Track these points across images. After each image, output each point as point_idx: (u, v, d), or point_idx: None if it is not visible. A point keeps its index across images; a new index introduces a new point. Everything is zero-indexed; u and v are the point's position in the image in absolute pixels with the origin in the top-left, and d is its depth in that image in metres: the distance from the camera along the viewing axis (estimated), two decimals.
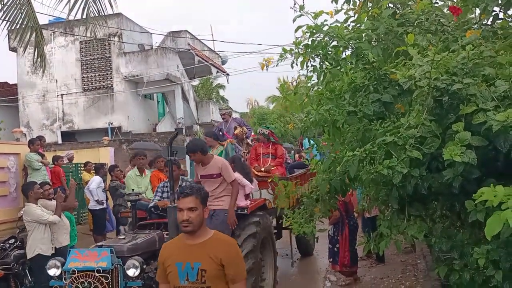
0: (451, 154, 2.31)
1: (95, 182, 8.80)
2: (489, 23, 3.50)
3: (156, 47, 18.96)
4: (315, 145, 4.08)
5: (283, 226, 6.80)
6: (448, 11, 3.40)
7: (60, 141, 17.65)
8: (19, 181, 9.31)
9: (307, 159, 8.75)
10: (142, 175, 7.48)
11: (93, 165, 10.05)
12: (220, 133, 8.09)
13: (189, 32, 19.62)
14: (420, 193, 2.90)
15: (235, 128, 8.03)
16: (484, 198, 2.19)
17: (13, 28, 6.51)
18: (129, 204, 5.99)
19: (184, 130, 17.64)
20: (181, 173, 6.11)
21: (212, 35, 32.86)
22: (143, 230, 5.18)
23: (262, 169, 7.32)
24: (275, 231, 6.93)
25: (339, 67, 3.23)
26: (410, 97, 2.86)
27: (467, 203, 2.52)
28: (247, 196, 6.06)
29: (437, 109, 2.67)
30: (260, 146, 7.78)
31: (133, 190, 6.16)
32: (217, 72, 22.42)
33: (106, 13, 6.38)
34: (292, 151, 13.72)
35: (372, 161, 2.72)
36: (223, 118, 8.58)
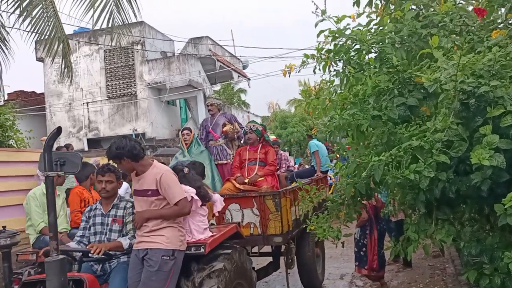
0: (479, 158, 2.28)
1: (122, 188, 8.96)
2: None
3: (178, 54, 19.21)
4: (339, 149, 4.08)
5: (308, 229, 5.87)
6: (473, 11, 3.36)
7: (86, 148, 18.03)
8: None
9: (313, 166, 8.04)
10: None
11: (121, 171, 10.24)
12: (204, 131, 6.57)
13: (210, 38, 19.82)
14: (448, 196, 2.86)
15: (224, 124, 6.39)
16: None
17: (40, 39, 6.71)
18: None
19: None
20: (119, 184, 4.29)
21: (233, 40, 33.07)
22: None
23: (246, 181, 5.68)
24: (271, 261, 5.73)
25: (362, 71, 3.22)
26: (435, 100, 2.84)
27: (496, 206, 2.48)
28: (220, 216, 4.79)
29: (463, 112, 2.63)
30: (245, 150, 6.01)
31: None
32: (238, 76, 22.55)
33: (130, 22, 6.52)
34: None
35: (398, 165, 2.70)
36: (209, 111, 6.73)
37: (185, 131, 6.37)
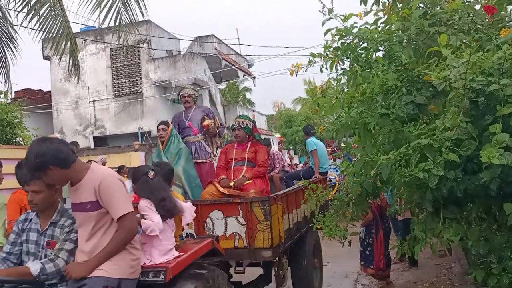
0: (489, 156, 2.27)
1: (129, 185, 9.01)
2: None
3: (184, 52, 19.25)
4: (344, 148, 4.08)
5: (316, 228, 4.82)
6: (481, 9, 3.34)
7: (92, 146, 18.12)
8: None
9: (311, 166, 7.17)
10: None
11: (128, 168, 10.30)
12: (177, 127, 5.72)
13: (215, 37, 19.84)
14: (456, 195, 2.86)
15: (203, 119, 5.61)
16: None
17: (47, 37, 6.75)
18: None
19: None
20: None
21: (239, 38, 33.13)
22: None
23: (231, 184, 4.93)
24: (261, 274, 4.86)
25: (370, 69, 3.22)
26: (444, 99, 2.83)
27: (505, 205, 2.47)
28: (199, 225, 4.17)
29: (473, 111, 2.62)
30: (232, 148, 5.28)
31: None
32: (244, 75, 22.57)
33: (137, 20, 6.53)
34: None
35: (406, 164, 2.69)
36: (184, 103, 5.82)
37: (160, 126, 5.52)
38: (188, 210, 3.50)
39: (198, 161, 5.61)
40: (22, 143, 9.38)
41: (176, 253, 3.19)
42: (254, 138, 5.37)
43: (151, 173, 3.29)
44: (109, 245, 2.70)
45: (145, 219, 3.11)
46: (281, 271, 4.68)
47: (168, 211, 3.22)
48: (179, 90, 6.17)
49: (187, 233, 4.04)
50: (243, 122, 5.30)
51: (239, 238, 4.22)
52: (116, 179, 2.79)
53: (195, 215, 3.58)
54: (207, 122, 5.54)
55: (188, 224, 3.62)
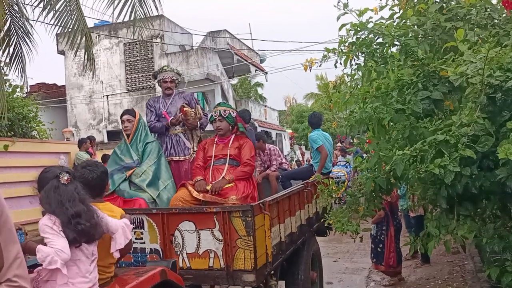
0: (506, 152, 2.25)
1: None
2: None
3: (196, 47, 19.29)
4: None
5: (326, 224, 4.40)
6: (498, 3, 3.30)
7: (106, 140, 18.29)
8: None
9: (311, 164, 6.09)
10: None
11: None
12: (153, 114, 4.83)
13: (228, 32, 19.85)
14: (470, 192, 2.84)
15: (182, 107, 4.64)
16: None
17: (62, 32, 6.82)
18: None
19: None
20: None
21: (251, 33, 32.99)
22: None
23: (208, 188, 4.04)
24: None
25: (385, 64, 3.20)
26: (460, 94, 2.80)
27: None
28: (166, 239, 3.38)
29: (490, 107, 2.60)
30: (212, 143, 4.41)
31: None
32: (256, 70, 22.54)
33: (151, 15, 6.57)
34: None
35: (421, 159, 2.68)
36: (166, 89, 4.91)
37: (125, 117, 4.55)
38: (121, 230, 2.53)
39: (175, 158, 4.70)
40: (37, 136, 9.51)
41: None
42: (238, 130, 4.43)
43: (65, 177, 2.35)
44: None
45: (45, 244, 2.21)
46: None
47: (83, 232, 2.27)
48: (158, 71, 5.11)
49: (151, 249, 3.49)
50: (224, 111, 4.39)
51: (215, 256, 3.36)
52: None
53: (130, 237, 2.58)
54: (186, 108, 4.61)
55: (120, 250, 2.55)
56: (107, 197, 4.01)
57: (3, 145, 7.92)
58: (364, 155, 5.48)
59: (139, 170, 4.33)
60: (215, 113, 4.44)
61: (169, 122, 4.73)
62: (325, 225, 5.06)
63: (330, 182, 4.91)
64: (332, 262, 7.45)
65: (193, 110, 4.69)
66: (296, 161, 19.53)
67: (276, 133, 24.21)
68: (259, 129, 19.77)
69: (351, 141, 12.70)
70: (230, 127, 4.42)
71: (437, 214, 3.33)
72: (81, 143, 9.51)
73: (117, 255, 2.54)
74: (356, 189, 4.01)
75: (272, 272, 3.74)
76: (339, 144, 16.02)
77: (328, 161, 6.09)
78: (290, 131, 27.74)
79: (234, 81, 25.98)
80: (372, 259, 6.36)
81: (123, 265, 3.48)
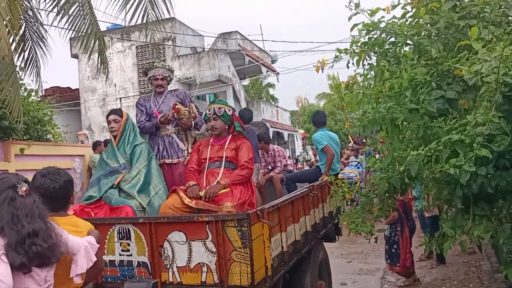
0: None
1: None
2: None
3: (208, 49, 19.37)
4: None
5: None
6: None
7: None
8: (84, 181, 9.86)
9: (318, 166, 5.73)
10: None
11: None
12: (143, 114, 4.53)
13: (239, 33, 19.91)
14: (486, 192, 2.81)
15: (175, 104, 4.34)
16: None
17: (76, 36, 6.91)
18: None
19: None
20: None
21: (262, 34, 32.98)
22: None
23: (201, 194, 3.71)
24: None
25: (398, 64, 3.18)
26: (475, 93, 2.77)
27: None
28: (155, 251, 3.10)
29: (505, 105, 2.57)
30: (207, 145, 4.10)
31: None
32: (267, 71, 22.56)
33: (163, 18, 6.62)
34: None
35: (436, 159, 2.66)
36: (157, 87, 4.64)
37: (111, 117, 4.26)
38: (84, 250, 2.17)
39: (168, 161, 4.42)
40: (52, 139, 9.65)
41: None
42: (234, 130, 4.13)
43: (23, 187, 2.03)
44: None
45: None
46: None
47: (37, 254, 1.93)
48: (148, 68, 4.82)
49: (138, 262, 3.21)
50: (219, 108, 4.07)
51: (208, 271, 3.05)
52: None
53: (94, 259, 2.22)
54: (178, 106, 4.30)
55: (84, 274, 2.22)
56: (94, 204, 3.85)
57: (19, 149, 8.06)
58: (377, 155, 5.44)
59: (128, 176, 3.99)
60: (209, 111, 4.13)
61: (158, 121, 4.39)
62: (335, 228, 5.04)
63: (344, 183, 4.87)
64: (346, 263, 7.43)
65: (187, 108, 4.40)
66: (307, 161, 19.48)
67: (288, 134, 24.19)
68: (271, 130, 19.80)
69: (364, 140, 12.57)
70: (226, 127, 4.11)
71: (453, 214, 3.30)
72: (95, 145, 9.61)
73: (77, 280, 2.17)
74: (370, 190, 3.99)
75: (274, 286, 3.41)
76: (351, 144, 15.93)
77: (335, 162, 5.78)
78: (302, 131, 27.68)
79: (246, 82, 26.03)
80: (387, 260, 6.32)
81: (109, 280, 3.28)
